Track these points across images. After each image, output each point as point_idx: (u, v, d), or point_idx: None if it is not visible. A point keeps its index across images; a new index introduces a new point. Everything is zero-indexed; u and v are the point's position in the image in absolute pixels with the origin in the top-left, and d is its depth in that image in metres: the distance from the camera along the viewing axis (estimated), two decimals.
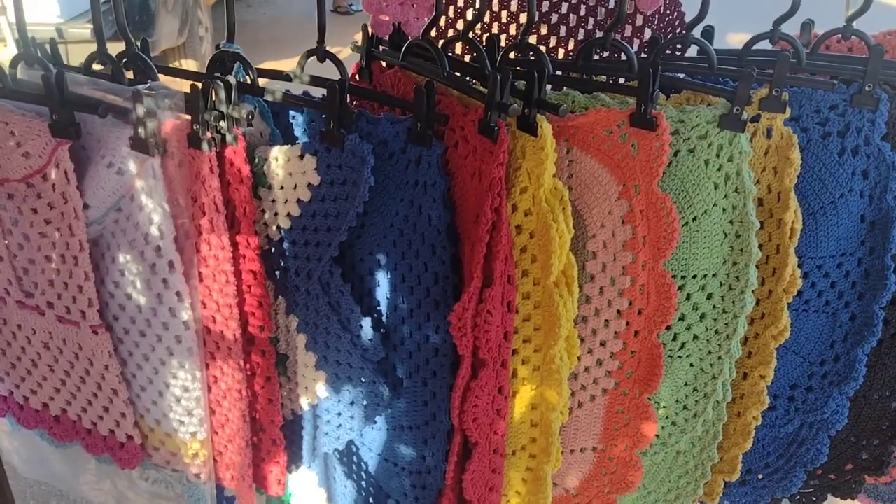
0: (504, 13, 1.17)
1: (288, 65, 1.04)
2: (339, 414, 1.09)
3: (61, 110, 0.89)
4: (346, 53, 1.11)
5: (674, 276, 1.00)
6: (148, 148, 0.89)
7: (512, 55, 1.04)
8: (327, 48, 0.96)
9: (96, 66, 1.02)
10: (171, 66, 5.76)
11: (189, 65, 5.92)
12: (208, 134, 0.89)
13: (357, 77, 1.12)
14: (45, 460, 1.24)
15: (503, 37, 1.18)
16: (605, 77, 1.04)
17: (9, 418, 1.24)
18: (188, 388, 1.04)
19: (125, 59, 0.97)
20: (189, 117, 0.89)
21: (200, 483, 1.11)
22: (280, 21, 7.72)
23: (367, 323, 1.02)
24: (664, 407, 1.11)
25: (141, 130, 0.88)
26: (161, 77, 1.00)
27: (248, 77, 0.97)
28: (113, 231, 0.98)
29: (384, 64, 1.11)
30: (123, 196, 0.94)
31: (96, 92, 0.90)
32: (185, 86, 0.92)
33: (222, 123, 0.89)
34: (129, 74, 0.98)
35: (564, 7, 1.19)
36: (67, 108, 0.89)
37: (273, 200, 0.98)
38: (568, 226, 0.92)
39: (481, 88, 0.94)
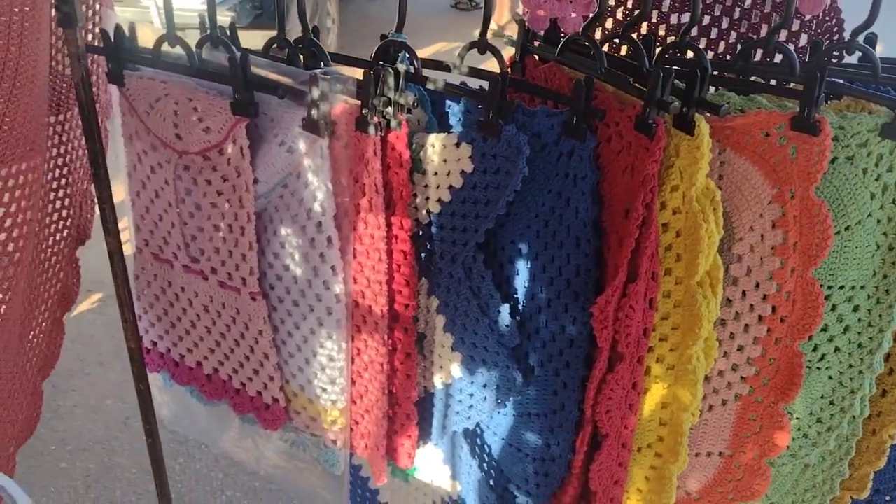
0: (655, 13, 1.17)
1: None
2: (472, 395, 1.13)
3: (243, 90, 0.96)
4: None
5: (820, 286, 0.98)
6: (318, 129, 0.95)
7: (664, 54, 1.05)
8: (446, 43, 0.99)
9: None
10: None
11: None
12: (375, 118, 0.94)
13: (510, 70, 1.15)
14: (192, 416, 1.33)
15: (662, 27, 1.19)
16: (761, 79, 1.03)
17: (163, 374, 1.34)
18: (333, 358, 1.10)
19: (300, 45, 1.03)
20: (358, 102, 0.94)
21: (336, 449, 1.17)
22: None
23: (505, 309, 1.05)
24: (797, 418, 1.10)
25: (314, 112, 0.94)
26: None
27: (412, 66, 1.01)
28: (277, 205, 1.04)
29: (537, 58, 1.13)
30: (290, 173, 1.01)
31: (275, 74, 0.97)
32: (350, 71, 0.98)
33: (389, 109, 0.94)
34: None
35: (717, 9, 1.18)
36: (249, 88, 0.96)
37: (426, 185, 1.03)
38: (718, 227, 0.92)
39: (638, 86, 0.95)
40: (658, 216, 0.94)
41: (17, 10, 0.90)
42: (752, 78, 1.03)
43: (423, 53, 1.02)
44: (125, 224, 1.24)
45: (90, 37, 1.17)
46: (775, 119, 0.91)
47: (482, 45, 1.00)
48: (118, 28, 1.06)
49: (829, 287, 1.00)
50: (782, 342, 1.01)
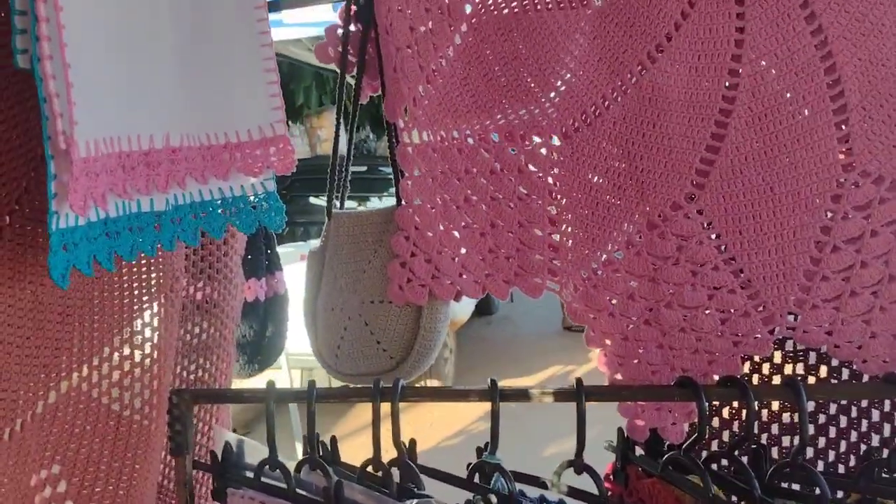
0: (775, 426, 1.13)
1: (526, 381, 1.05)
2: None
3: None
4: (579, 371, 1.11)
5: None
6: None
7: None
8: (561, 366, 0.97)
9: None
10: (416, 383, 6.18)
11: (433, 383, 6.29)
12: None
13: (612, 478, 1.11)
14: None
15: (774, 449, 1.13)
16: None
17: None
18: None
19: (392, 465, 1.03)
20: None
21: None
22: (516, 338, 8.09)
23: None
24: None
25: None
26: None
27: (506, 485, 0.99)
28: None
29: (640, 469, 1.09)
30: None
31: (369, 501, 0.96)
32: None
33: None
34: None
35: (843, 420, 1.13)
36: None
37: None
38: None
39: None
40: None
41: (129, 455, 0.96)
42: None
43: (536, 377, 1.01)
44: None
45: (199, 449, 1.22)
46: None
47: (579, 466, 0.97)
48: (227, 446, 1.10)
49: None
50: None
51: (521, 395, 0.98)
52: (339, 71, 1.18)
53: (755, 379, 1.17)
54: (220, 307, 1.21)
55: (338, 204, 1.25)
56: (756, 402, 0.93)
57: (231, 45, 1.01)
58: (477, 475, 1.04)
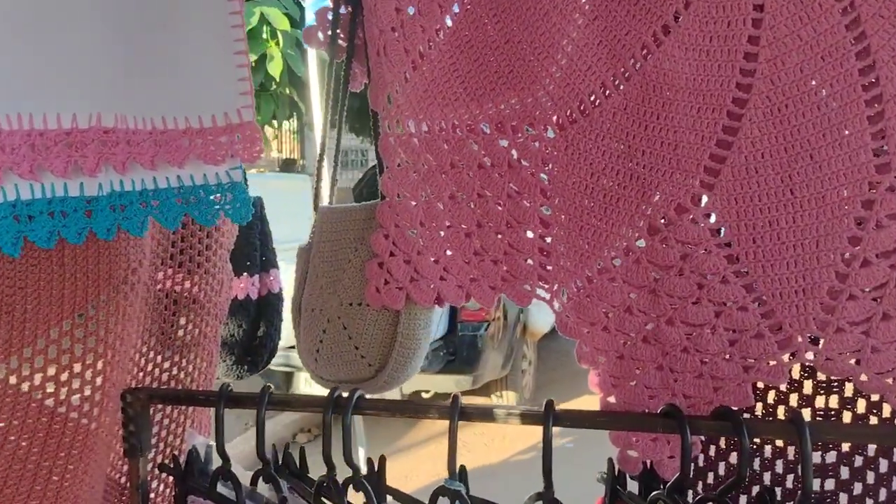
0: (780, 462, 0.97)
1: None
2: None
3: None
4: None
5: None
6: None
7: None
8: None
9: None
10: (492, 395, 6.06)
11: (509, 396, 6.16)
12: None
13: None
14: None
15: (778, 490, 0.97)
16: None
17: None
18: None
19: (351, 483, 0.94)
20: None
21: None
22: None
23: None
24: None
25: None
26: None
27: None
28: None
29: None
30: None
31: None
32: None
33: None
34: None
35: (884, 465, 0.96)
36: None
37: None
38: None
39: None
40: None
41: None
42: None
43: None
44: None
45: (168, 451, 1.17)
46: None
47: (548, 501, 0.85)
48: (192, 452, 1.04)
49: None
50: None
51: (486, 414, 0.88)
52: (329, 56, 1.11)
53: (780, 411, 1.02)
54: (200, 303, 1.15)
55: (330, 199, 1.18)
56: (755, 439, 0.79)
57: (196, 26, 0.96)
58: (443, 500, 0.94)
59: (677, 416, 0.81)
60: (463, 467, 0.94)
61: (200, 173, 0.97)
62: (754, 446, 0.95)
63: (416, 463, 5.17)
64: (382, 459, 1.00)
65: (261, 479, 0.98)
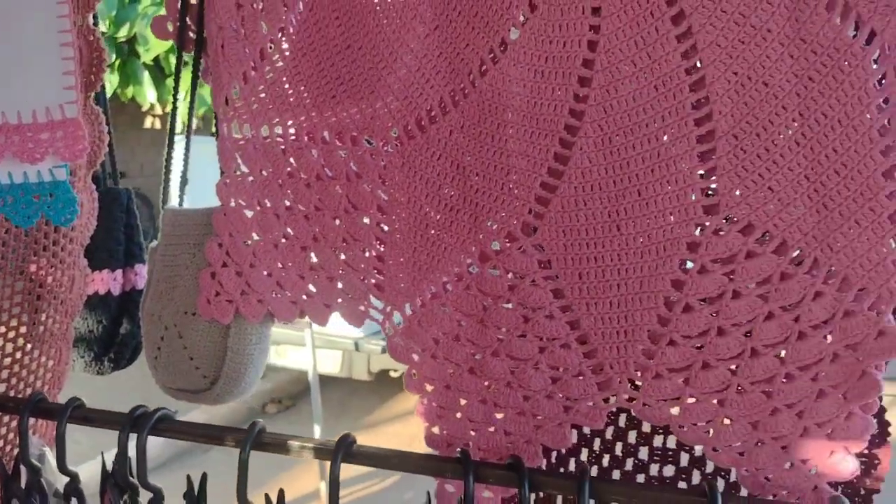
0: None
1: None
2: None
3: None
4: None
5: None
6: None
7: None
8: None
9: None
10: None
11: None
12: None
13: None
14: None
15: None
16: None
17: None
18: None
19: None
20: None
21: None
22: None
23: None
24: None
25: None
26: None
27: None
28: None
29: None
30: None
31: None
32: None
33: None
34: None
35: None
36: None
37: None
38: None
39: None
40: None
41: None
42: None
43: None
44: None
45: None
46: None
47: None
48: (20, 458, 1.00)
49: None
50: None
51: (281, 446, 0.84)
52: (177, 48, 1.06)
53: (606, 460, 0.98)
54: (44, 299, 1.12)
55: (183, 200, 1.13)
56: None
57: (15, 17, 0.90)
58: None
59: (464, 460, 0.77)
60: (281, 491, 0.90)
61: (19, 171, 0.93)
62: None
63: (385, 439, 5.15)
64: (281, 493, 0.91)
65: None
